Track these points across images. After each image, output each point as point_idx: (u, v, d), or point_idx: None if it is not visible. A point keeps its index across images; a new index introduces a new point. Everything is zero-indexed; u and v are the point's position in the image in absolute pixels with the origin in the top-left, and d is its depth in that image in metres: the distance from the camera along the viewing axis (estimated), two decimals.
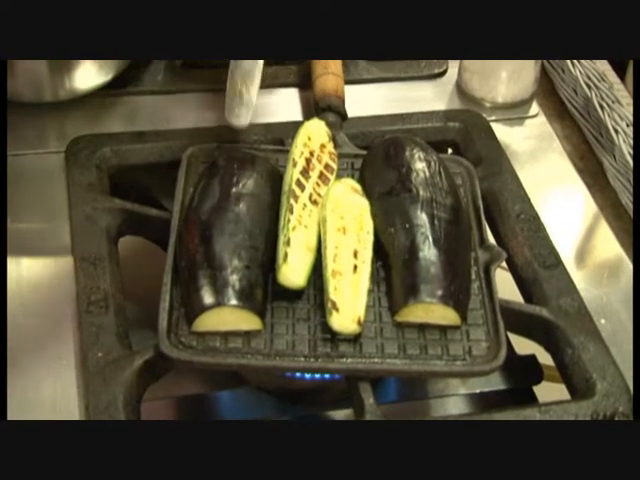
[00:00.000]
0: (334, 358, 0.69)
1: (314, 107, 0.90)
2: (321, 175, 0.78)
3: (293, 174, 0.77)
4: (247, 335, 0.69)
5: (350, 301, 0.70)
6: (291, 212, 0.74)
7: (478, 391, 0.80)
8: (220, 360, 0.68)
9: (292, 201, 0.74)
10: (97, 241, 0.77)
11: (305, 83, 0.95)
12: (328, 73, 0.91)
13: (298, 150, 0.79)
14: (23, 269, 0.78)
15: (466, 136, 0.91)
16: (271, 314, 0.71)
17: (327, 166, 0.79)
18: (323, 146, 0.81)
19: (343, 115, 0.89)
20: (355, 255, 0.72)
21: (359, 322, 0.69)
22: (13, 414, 0.67)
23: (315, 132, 0.81)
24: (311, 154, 0.79)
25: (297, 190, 0.75)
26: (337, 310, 0.69)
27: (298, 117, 0.93)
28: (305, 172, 0.77)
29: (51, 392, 0.70)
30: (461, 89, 0.99)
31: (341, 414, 0.76)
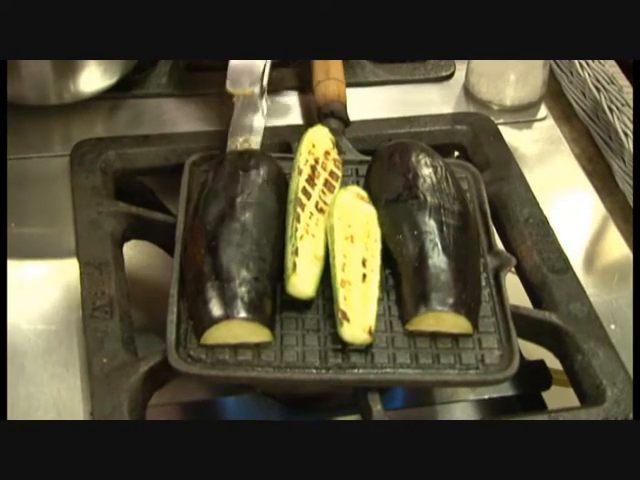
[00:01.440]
0: (345, 369, 0.68)
1: (316, 113, 0.89)
2: (326, 183, 0.77)
3: (299, 182, 0.76)
4: (257, 347, 0.68)
5: (360, 311, 0.69)
6: (298, 221, 0.73)
7: (486, 397, 0.79)
8: (230, 373, 0.67)
9: (299, 210, 0.73)
10: (102, 245, 0.76)
11: (311, 86, 0.95)
12: (329, 79, 0.91)
13: (303, 158, 0.78)
14: (27, 273, 0.78)
15: (474, 139, 0.90)
16: (280, 325, 0.70)
17: (332, 173, 0.78)
18: (327, 153, 0.80)
19: (346, 121, 0.88)
20: (364, 264, 0.72)
21: (370, 332, 0.68)
22: (17, 419, 0.67)
23: (319, 139, 0.81)
24: (316, 161, 0.78)
25: (304, 198, 0.74)
26: (348, 320, 0.68)
27: (310, 120, 0.93)
28: (311, 180, 0.76)
29: (56, 398, 0.69)
30: (468, 92, 0.99)
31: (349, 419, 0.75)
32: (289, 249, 0.71)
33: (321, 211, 0.75)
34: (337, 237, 0.72)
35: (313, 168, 0.77)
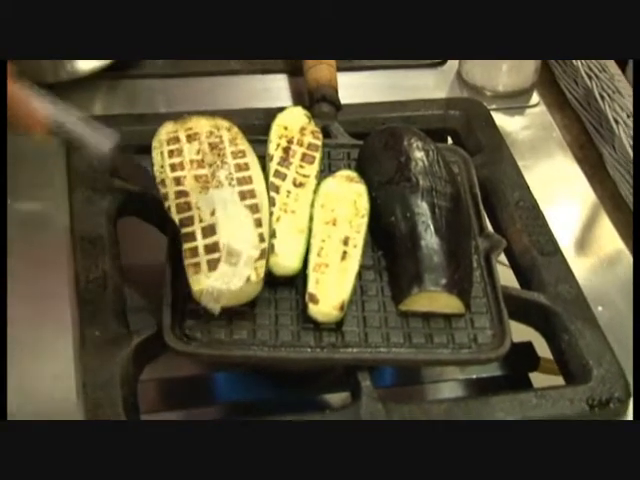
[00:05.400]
0: (340, 348, 0.69)
1: (308, 97, 0.90)
2: (304, 157, 0.79)
3: (270, 168, 0.78)
4: (252, 327, 0.69)
5: (334, 289, 0.70)
6: (273, 204, 0.75)
7: (474, 377, 0.80)
8: (225, 352, 0.68)
9: (273, 194, 0.76)
10: (97, 221, 0.77)
11: (302, 70, 0.95)
12: (321, 63, 0.91)
13: (273, 144, 0.80)
14: (23, 248, 0.78)
15: (467, 124, 0.91)
16: (275, 306, 0.71)
17: (310, 146, 0.80)
18: (303, 129, 0.82)
19: (337, 105, 0.88)
20: (346, 242, 0.73)
21: (341, 308, 0.69)
22: (11, 392, 0.67)
23: (291, 120, 0.82)
24: (289, 142, 0.80)
25: (277, 181, 0.77)
26: (315, 302, 0.69)
27: (300, 102, 0.93)
28: (284, 161, 0.78)
29: (49, 370, 0.70)
30: (462, 78, 0.99)
31: (338, 397, 0.76)
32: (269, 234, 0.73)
33: (300, 185, 0.77)
34: (316, 224, 0.74)
35: (286, 149, 0.79)
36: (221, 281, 0.68)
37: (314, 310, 0.69)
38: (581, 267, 0.81)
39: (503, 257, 0.81)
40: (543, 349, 0.79)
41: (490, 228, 0.80)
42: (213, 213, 0.72)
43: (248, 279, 0.68)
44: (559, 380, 0.74)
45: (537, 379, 0.81)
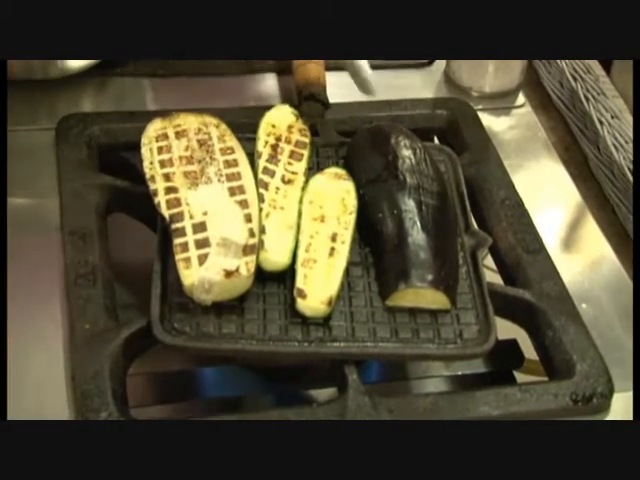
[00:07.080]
0: (327, 342, 0.70)
1: (296, 96, 0.90)
2: (292, 154, 0.80)
3: (259, 165, 0.78)
4: (241, 321, 0.70)
5: (322, 284, 0.71)
6: (263, 201, 0.75)
7: (460, 373, 0.81)
8: (214, 345, 0.69)
9: (262, 190, 0.76)
10: (86, 216, 0.77)
11: (291, 69, 0.96)
12: (310, 62, 0.91)
13: (261, 141, 0.81)
14: (12, 243, 0.78)
15: (453, 124, 0.92)
16: (263, 300, 0.72)
17: (298, 143, 0.81)
18: (291, 127, 0.82)
19: (326, 104, 0.89)
20: (334, 238, 0.74)
21: (329, 303, 0.70)
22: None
23: (278, 118, 0.83)
24: (277, 139, 0.81)
25: (266, 178, 0.77)
26: (303, 297, 0.70)
27: (288, 101, 0.94)
28: (272, 158, 0.79)
29: (39, 363, 0.70)
30: (449, 78, 1.00)
31: (325, 392, 0.76)
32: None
33: (289, 182, 0.78)
34: (304, 221, 0.75)
35: (274, 147, 0.80)
36: (212, 271, 0.69)
37: (302, 305, 0.70)
38: (566, 265, 0.81)
39: (489, 261, 0.82)
40: (527, 350, 0.79)
41: (476, 226, 0.81)
42: (203, 209, 0.73)
43: (238, 269, 0.69)
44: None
45: (522, 379, 0.82)
